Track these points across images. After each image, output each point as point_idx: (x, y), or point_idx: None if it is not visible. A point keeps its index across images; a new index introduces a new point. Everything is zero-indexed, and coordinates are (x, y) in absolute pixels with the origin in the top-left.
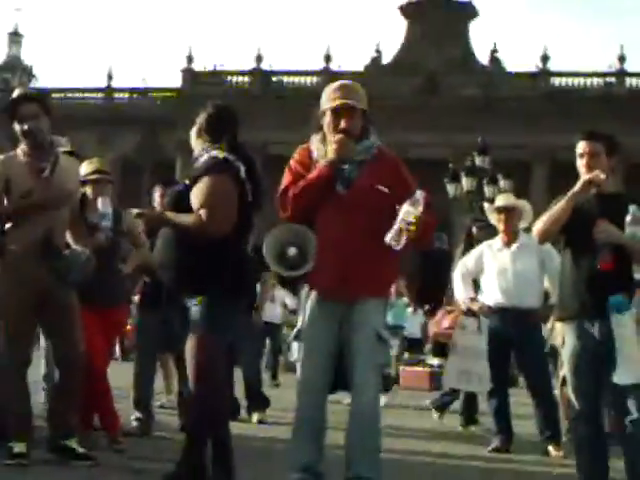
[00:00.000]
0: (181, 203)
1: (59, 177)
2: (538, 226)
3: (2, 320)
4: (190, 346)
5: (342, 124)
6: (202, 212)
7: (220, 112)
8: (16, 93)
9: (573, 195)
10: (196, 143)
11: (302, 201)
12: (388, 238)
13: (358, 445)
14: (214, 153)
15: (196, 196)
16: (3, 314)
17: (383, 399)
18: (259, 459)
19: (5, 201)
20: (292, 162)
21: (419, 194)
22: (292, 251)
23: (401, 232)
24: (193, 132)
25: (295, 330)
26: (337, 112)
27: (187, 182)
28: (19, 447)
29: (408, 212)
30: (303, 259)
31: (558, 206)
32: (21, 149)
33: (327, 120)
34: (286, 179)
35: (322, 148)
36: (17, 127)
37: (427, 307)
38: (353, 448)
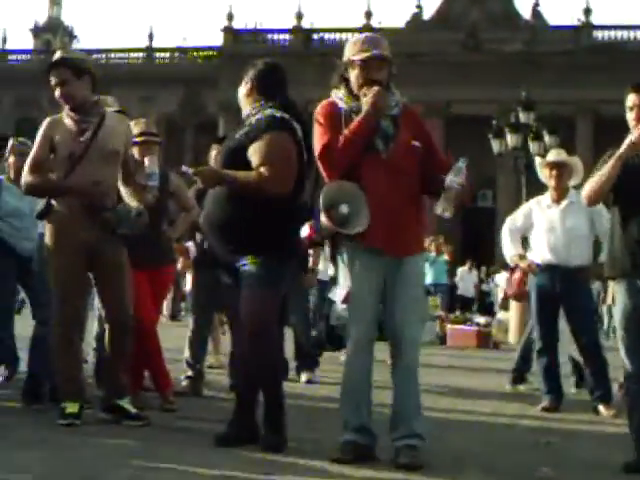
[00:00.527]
0: (236, 160)
1: (102, 137)
2: (587, 189)
3: (53, 280)
4: (244, 303)
5: (376, 75)
6: (263, 169)
7: (271, 70)
8: (53, 58)
9: (620, 156)
10: (246, 102)
11: (346, 156)
12: (439, 210)
13: (409, 402)
14: (270, 111)
15: (256, 153)
16: (54, 274)
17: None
18: (308, 419)
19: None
20: (321, 118)
21: (461, 162)
22: (344, 209)
23: (449, 201)
24: (242, 90)
25: (341, 294)
26: (366, 64)
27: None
28: (71, 407)
29: (453, 180)
30: (355, 217)
31: (606, 168)
32: (65, 111)
33: (356, 72)
34: (322, 137)
35: (350, 101)
36: (53, 91)
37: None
38: (405, 405)
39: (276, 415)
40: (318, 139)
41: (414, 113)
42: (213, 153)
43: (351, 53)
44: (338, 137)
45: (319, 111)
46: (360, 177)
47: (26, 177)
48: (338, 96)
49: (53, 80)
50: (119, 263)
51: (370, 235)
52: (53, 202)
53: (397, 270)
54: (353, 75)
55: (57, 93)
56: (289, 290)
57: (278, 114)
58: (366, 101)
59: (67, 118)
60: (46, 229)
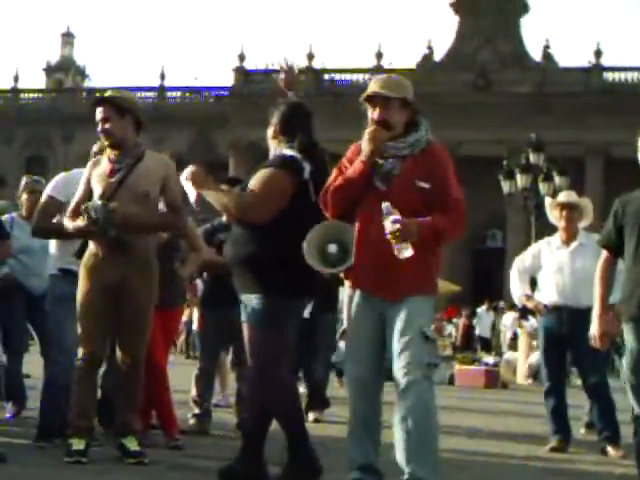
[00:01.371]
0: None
1: (134, 178)
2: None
3: (79, 317)
4: (250, 343)
5: (375, 115)
6: (246, 194)
7: (292, 110)
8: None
9: None
10: (271, 143)
11: (340, 198)
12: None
13: (407, 446)
14: (285, 151)
15: (250, 183)
16: (80, 312)
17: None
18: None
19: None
20: (343, 160)
21: (385, 206)
22: (332, 248)
23: (391, 244)
24: (269, 133)
25: (340, 330)
26: (371, 104)
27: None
28: (78, 444)
29: (385, 226)
30: (344, 255)
31: None
32: (107, 151)
33: (368, 112)
34: (331, 177)
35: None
36: (97, 129)
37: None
38: (403, 449)
39: (307, 453)
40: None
41: (436, 154)
42: None
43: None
44: (339, 178)
45: (346, 153)
46: (358, 215)
47: (66, 222)
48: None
49: (97, 116)
50: (141, 307)
51: (359, 276)
52: (89, 241)
53: (393, 312)
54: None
55: (99, 128)
56: (315, 329)
57: (289, 153)
58: (363, 143)
59: (105, 158)
60: (80, 267)
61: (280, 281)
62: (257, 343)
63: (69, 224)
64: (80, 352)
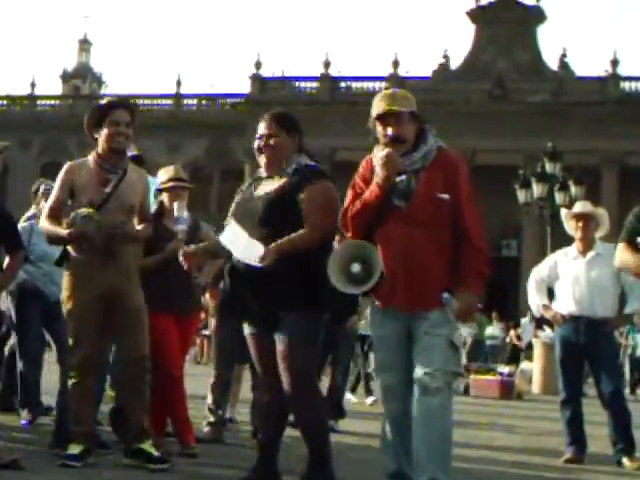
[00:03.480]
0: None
1: (123, 190)
2: (621, 261)
3: (69, 324)
4: (286, 357)
5: (388, 131)
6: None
7: (294, 119)
8: (107, 100)
9: None
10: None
11: (361, 221)
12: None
13: (424, 447)
14: (306, 161)
15: (311, 206)
16: (69, 320)
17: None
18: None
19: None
20: (356, 177)
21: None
22: (356, 267)
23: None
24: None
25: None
26: (384, 120)
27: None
28: (73, 448)
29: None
30: (368, 274)
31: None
32: (92, 156)
33: (378, 130)
34: (348, 198)
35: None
36: (108, 129)
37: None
38: (424, 453)
39: (323, 456)
40: (346, 199)
41: (449, 164)
42: None
43: (373, 111)
44: (357, 200)
45: (358, 170)
46: (380, 233)
47: (42, 222)
48: (376, 154)
49: (119, 117)
50: (136, 307)
51: (383, 293)
52: (69, 249)
53: (419, 323)
54: (378, 133)
55: (118, 130)
56: (334, 339)
57: (311, 162)
58: (378, 165)
59: (94, 164)
60: (64, 276)
61: (316, 297)
62: (296, 358)
63: (50, 227)
64: (75, 357)
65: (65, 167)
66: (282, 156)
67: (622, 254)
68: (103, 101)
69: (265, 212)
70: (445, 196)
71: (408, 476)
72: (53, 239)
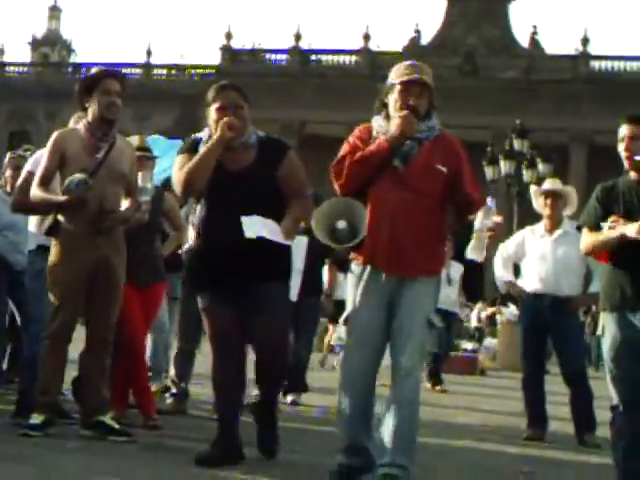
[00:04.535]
0: None
1: (113, 158)
2: (586, 246)
3: (52, 292)
4: (275, 330)
5: (411, 101)
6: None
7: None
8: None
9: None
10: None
11: (358, 170)
12: (469, 254)
13: (396, 431)
14: (260, 133)
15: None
16: (54, 289)
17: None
18: (296, 440)
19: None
20: (351, 137)
21: (490, 202)
22: (342, 224)
23: (480, 245)
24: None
25: (344, 315)
26: (406, 88)
27: None
28: (35, 418)
29: (483, 223)
30: (353, 232)
31: (603, 239)
32: (84, 124)
33: (395, 96)
34: (343, 150)
35: (384, 125)
36: (101, 98)
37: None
38: (391, 433)
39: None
40: (339, 153)
41: (450, 142)
42: None
43: (395, 76)
44: (355, 153)
45: (353, 132)
46: (372, 193)
47: (34, 190)
48: (377, 122)
49: (111, 87)
50: (116, 284)
51: (373, 253)
52: (60, 218)
53: (402, 293)
54: (392, 99)
55: (113, 99)
56: (299, 312)
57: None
58: (394, 123)
59: (86, 132)
60: (52, 245)
61: (290, 266)
62: (282, 327)
63: (45, 195)
64: (51, 327)
65: (55, 136)
66: (246, 127)
67: (587, 238)
68: (94, 70)
69: (248, 189)
70: (443, 168)
71: (368, 452)
72: (48, 206)
